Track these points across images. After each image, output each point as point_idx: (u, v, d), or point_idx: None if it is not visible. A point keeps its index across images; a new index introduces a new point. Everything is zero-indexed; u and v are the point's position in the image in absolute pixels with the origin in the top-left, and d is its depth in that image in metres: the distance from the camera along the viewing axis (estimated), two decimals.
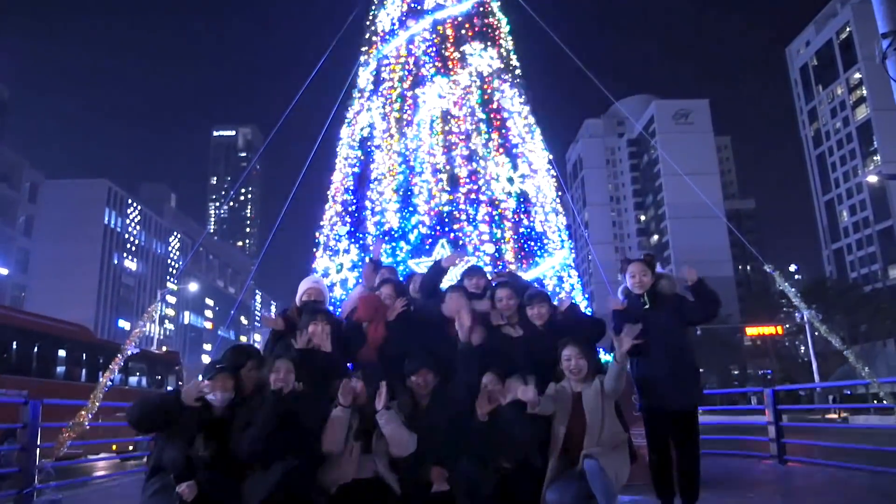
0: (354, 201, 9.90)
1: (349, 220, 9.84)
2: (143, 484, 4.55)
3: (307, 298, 5.75)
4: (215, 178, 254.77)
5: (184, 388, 4.56)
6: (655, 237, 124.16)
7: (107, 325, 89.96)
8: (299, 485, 4.36)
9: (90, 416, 9.26)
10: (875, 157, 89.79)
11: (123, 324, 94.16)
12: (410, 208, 9.28)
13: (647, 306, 5.26)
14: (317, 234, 10.41)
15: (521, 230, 9.51)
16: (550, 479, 4.79)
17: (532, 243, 9.47)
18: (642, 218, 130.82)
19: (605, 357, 5.89)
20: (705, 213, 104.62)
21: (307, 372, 4.78)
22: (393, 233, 9.17)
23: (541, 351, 5.27)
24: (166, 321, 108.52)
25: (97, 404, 9.39)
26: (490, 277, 6.23)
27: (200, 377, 4.69)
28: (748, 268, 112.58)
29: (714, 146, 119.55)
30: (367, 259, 6.80)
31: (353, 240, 9.60)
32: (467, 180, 9.46)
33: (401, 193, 9.43)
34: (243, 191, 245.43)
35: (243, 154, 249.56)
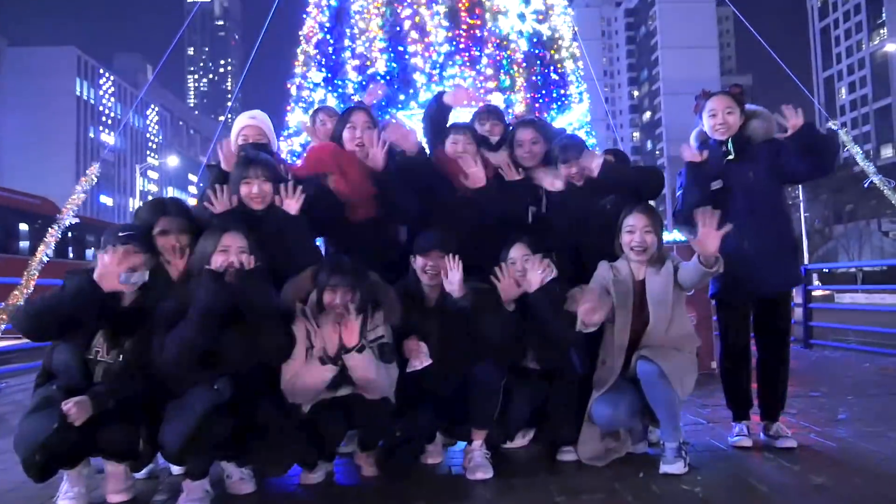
0: (331, 42, 8.13)
1: (325, 64, 8.12)
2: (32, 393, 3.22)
3: (243, 142, 4.12)
4: (192, 49, 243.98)
5: (98, 270, 3.11)
6: (648, 114, 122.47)
7: (88, 201, 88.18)
8: (251, 410, 3.03)
9: (27, 294, 7.98)
10: (882, 31, 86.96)
11: (105, 200, 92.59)
12: (400, 48, 7.58)
13: (730, 157, 3.78)
14: (287, 85, 8.70)
15: (534, 78, 7.86)
16: (600, 388, 3.51)
17: (546, 94, 7.85)
18: (636, 94, 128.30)
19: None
20: (700, 88, 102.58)
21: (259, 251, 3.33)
22: (378, 78, 7.52)
23: (581, 218, 3.85)
24: (149, 197, 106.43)
25: (32, 282, 8.07)
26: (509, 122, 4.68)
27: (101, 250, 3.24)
28: None
29: (715, 17, 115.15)
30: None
31: (329, 88, 7.93)
32: (469, 14, 7.69)
33: (387, 30, 7.68)
34: (222, 62, 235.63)
35: (220, 23, 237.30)
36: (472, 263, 3.68)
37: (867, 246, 57.85)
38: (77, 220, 9.02)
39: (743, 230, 3.71)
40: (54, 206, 18.12)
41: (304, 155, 3.88)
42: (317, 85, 8.07)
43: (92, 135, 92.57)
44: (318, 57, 8.20)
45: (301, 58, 8.59)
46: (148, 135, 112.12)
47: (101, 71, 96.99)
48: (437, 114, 4.35)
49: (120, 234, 3.26)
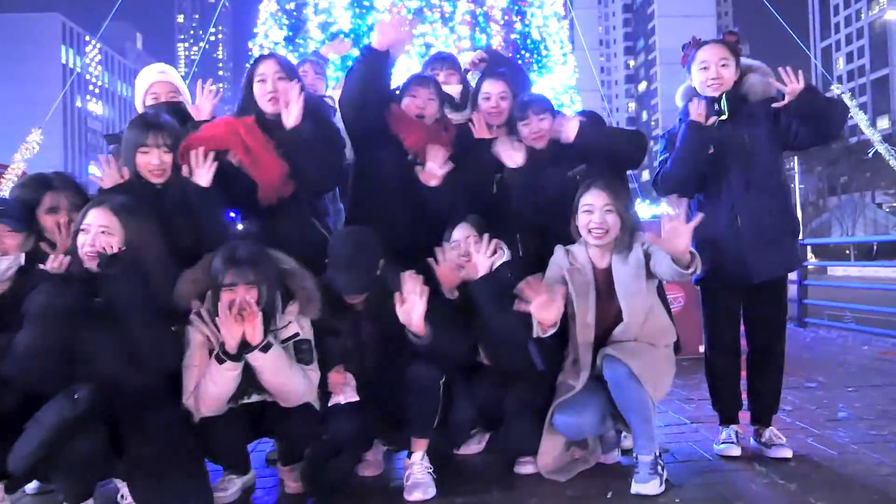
0: None
1: (286, 21, 7.46)
2: None
3: (153, 101, 3.51)
4: (182, 16, 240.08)
5: None
6: (644, 84, 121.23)
7: (77, 171, 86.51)
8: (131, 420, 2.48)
9: None
10: (881, 0, 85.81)
11: (94, 170, 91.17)
12: (366, 3, 6.92)
13: (723, 117, 3.21)
14: (249, 45, 8.05)
15: (514, 36, 7.22)
16: (564, 391, 2.99)
17: (527, 54, 7.22)
18: (631, 64, 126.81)
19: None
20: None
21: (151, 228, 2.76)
22: (342, 37, 6.87)
23: (544, 191, 3.29)
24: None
25: None
26: (466, 67, 4.07)
27: None
28: None
29: None
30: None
31: (291, 48, 7.28)
32: None
33: None
34: (213, 30, 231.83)
35: None
36: (418, 246, 3.15)
37: (861, 218, 57.42)
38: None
39: (736, 205, 3.18)
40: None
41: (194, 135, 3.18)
42: (276, 44, 7.42)
43: (79, 104, 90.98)
44: (279, 14, 7.54)
45: (262, 16, 7.94)
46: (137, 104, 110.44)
47: (88, 38, 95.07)
48: (370, 72, 3.20)
49: None
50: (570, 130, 3.26)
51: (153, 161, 2.95)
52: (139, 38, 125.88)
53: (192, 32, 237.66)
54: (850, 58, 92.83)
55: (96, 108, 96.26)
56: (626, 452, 3.28)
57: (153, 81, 3.54)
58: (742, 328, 3.42)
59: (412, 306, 2.81)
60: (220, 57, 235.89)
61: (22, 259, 2.69)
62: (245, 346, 2.56)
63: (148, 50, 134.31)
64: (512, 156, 3.27)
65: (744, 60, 3.27)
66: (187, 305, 2.68)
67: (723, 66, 3.18)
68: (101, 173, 2.97)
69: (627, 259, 3.02)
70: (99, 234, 2.56)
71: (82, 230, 2.57)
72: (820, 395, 4.56)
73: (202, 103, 3.31)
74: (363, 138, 3.38)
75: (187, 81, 3.95)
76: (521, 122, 3.35)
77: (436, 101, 3.46)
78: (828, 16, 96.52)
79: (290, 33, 7.43)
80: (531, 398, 3.05)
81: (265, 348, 2.58)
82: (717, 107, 3.20)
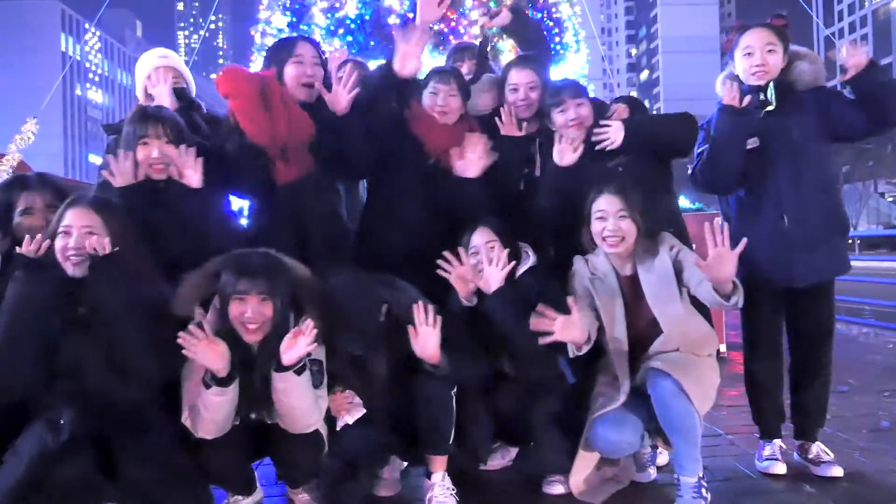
0: None
1: (290, 7, 7.18)
2: None
3: (153, 89, 3.25)
4: (182, 4, 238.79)
5: None
6: (646, 73, 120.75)
7: (77, 161, 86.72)
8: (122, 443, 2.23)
9: None
10: None
11: (94, 159, 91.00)
12: None
13: (770, 107, 2.96)
14: (251, 31, 7.78)
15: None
16: (600, 405, 2.75)
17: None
18: (634, 52, 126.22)
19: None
20: (699, 47, 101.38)
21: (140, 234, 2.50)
22: (349, 23, 6.61)
23: (582, 187, 3.03)
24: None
25: None
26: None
27: None
28: None
29: None
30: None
31: (295, 34, 7.00)
32: None
33: None
34: (213, 18, 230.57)
35: None
36: (437, 251, 2.90)
37: (864, 209, 57.09)
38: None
39: (783, 202, 2.93)
40: (25, 166, 17.14)
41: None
42: (280, 31, 7.14)
43: (79, 91, 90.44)
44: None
45: (265, 1, 7.67)
46: (137, 92, 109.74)
47: (87, 26, 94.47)
48: (381, 86, 3.08)
49: None
50: (615, 136, 3.01)
51: (153, 153, 2.71)
52: (139, 26, 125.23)
53: (191, 20, 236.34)
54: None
55: (96, 96, 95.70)
56: (659, 469, 3.05)
57: (155, 66, 3.28)
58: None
59: (426, 339, 2.60)
60: (220, 45, 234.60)
61: None
62: (272, 363, 2.33)
63: (147, 38, 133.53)
64: (564, 152, 3.02)
65: (794, 47, 3.00)
66: (187, 312, 2.42)
67: (769, 52, 2.91)
68: (114, 171, 2.71)
69: (653, 265, 2.79)
70: (84, 235, 2.32)
71: (62, 232, 2.33)
72: (856, 400, 4.32)
73: (189, 176, 2.79)
74: (381, 138, 3.13)
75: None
76: (557, 109, 3.09)
77: (458, 96, 3.20)
78: (831, 3, 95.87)
79: (294, 19, 7.14)
80: (562, 412, 2.81)
81: (300, 370, 2.33)
82: (762, 96, 2.94)
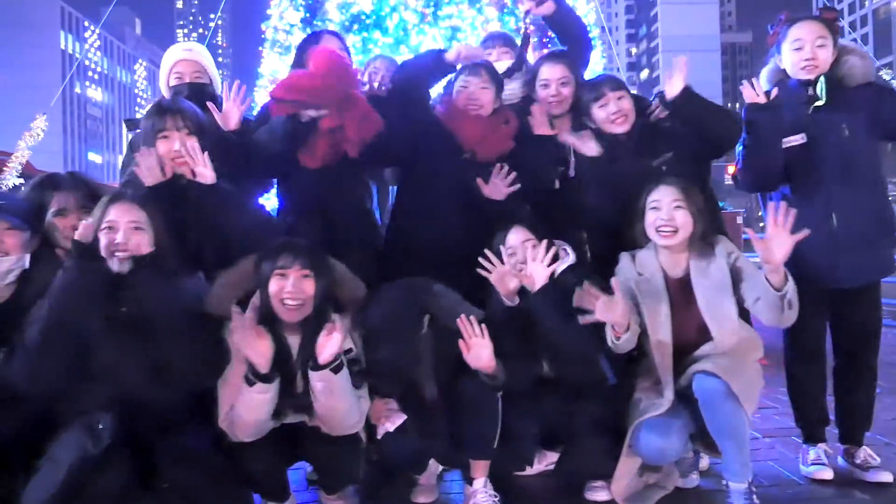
0: None
1: (302, 2, 7.08)
2: None
3: (177, 82, 3.18)
4: (181, 2, 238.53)
5: None
6: (646, 72, 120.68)
7: (77, 159, 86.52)
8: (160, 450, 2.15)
9: None
10: None
11: (94, 157, 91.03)
12: None
13: (819, 102, 2.87)
14: (262, 27, 7.69)
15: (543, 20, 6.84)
16: (643, 410, 2.66)
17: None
18: (633, 51, 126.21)
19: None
20: (699, 46, 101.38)
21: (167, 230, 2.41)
22: (364, 18, 6.52)
23: (624, 184, 2.94)
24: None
25: None
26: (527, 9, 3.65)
27: None
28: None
29: None
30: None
31: (308, 30, 6.90)
32: None
33: None
34: (212, 16, 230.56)
35: None
36: (472, 249, 2.82)
37: None
38: (23, 179, 8.08)
39: (831, 201, 2.84)
40: (29, 165, 17.07)
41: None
42: (293, 26, 7.05)
43: (78, 90, 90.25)
44: None
45: None
46: (136, 90, 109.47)
47: (87, 24, 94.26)
48: (425, 71, 3.11)
49: None
50: (674, 85, 2.87)
51: (175, 146, 2.63)
52: (138, 24, 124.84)
53: (191, 18, 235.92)
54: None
55: (95, 94, 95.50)
56: (703, 474, 2.97)
57: (178, 59, 3.20)
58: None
59: (479, 351, 2.52)
60: (220, 44, 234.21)
61: (26, 261, 2.36)
62: (309, 362, 2.25)
63: (147, 35, 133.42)
64: (587, 144, 2.93)
65: (842, 41, 2.92)
66: (224, 311, 2.34)
67: (819, 46, 2.83)
68: (143, 166, 2.63)
69: (708, 270, 2.69)
70: (130, 230, 2.25)
71: (106, 228, 2.24)
72: (888, 402, 4.22)
73: (230, 110, 2.90)
74: (412, 132, 3.05)
75: None
76: (597, 104, 3.00)
77: (490, 88, 3.12)
78: (832, 3, 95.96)
79: (307, 14, 7.05)
80: (604, 416, 2.73)
81: (337, 368, 2.24)
82: (811, 91, 2.86)
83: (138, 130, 3.04)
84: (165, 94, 3.23)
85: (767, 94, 2.86)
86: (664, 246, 2.72)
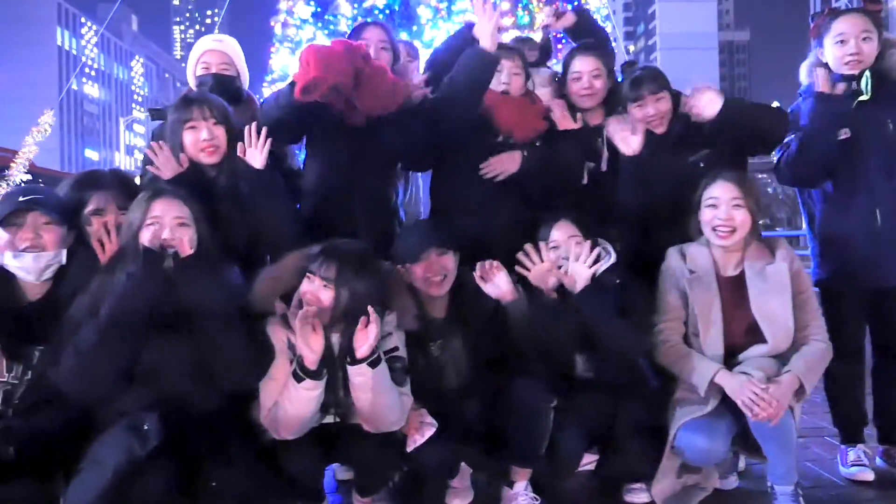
0: None
1: None
2: None
3: (203, 72, 3.11)
4: None
5: None
6: None
7: (74, 156, 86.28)
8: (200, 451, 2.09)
9: None
10: None
11: (90, 154, 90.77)
12: None
13: (864, 97, 2.81)
14: (271, 22, 7.64)
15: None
16: (686, 411, 2.60)
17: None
18: (631, 49, 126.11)
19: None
20: (697, 44, 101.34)
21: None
22: (376, 13, 6.46)
23: (660, 182, 2.88)
24: (136, 151, 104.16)
25: None
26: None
27: None
28: None
29: None
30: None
31: (319, 25, 6.87)
32: None
33: None
34: (209, 13, 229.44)
35: None
36: (507, 235, 2.80)
37: None
38: (29, 175, 7.98)
39: (876, 197, 2.79)
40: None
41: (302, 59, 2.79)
42: (304, 21, 7.01)
43: (75, 86, 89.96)
44: None
45: None
46: (133, 87, 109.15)
47: (84, 20, 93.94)
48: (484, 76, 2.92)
49: (22, 198, 2.28)
50: (706, 107, 2.82)
51: (203, 136, 2.58)
52: (134, 20, 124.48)
53: (187, 15, 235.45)
54: None
55: (92, 90, 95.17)
56: (741, 475, 2.92)
57: (206, 49, 3.15)
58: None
59: (494, 275, 2.55)
60: None
61: (63, 257, 2.30)
62: (347, 357, 2.20)
63: (144, 32, 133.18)
64: (627, 140, 2.87)
65: (888, 34, 2.87)
66: (267, 307, 2.32)
67: (864, 39, 2.78)
68: (158, 162, 2.58)
69: (765, 271, 2.62)
70: (176, 226, 2.19)
71: (150, 224, 2.18)
72: None
73: (253, 155, 2.63)
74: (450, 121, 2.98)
75: (183, 64, 3.60)
76: (635, 104, 2.94)
77: (522, 75, 3.08)
78: (829, 0, 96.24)
79: (319, 9, 7.00)
80: (644, 417, 2.66)
81: (374, 363, 2.19)
82: (855, 85, 2.80)
83: (160, 122, 3.00)
84: (191, 83, 3.19)
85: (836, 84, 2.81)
86: (721, 245, 2.65)
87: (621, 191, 2.92)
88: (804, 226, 3.22)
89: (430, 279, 2.57)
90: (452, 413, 2.58)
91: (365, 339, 2.18)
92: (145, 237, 2.11)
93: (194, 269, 2.13)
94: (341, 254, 2.27)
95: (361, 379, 2.20)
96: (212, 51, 3.14)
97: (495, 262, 2.57)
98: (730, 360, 2.61)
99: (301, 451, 2.29)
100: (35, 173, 13.50)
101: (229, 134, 2.64)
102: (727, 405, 2.58)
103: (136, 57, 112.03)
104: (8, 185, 7.16)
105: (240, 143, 2.61)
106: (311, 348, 2.17)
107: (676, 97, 3.02)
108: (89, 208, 2.46)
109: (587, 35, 3.47)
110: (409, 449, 2.45)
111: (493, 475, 2.76)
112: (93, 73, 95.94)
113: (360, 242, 2.40)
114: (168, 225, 2.18)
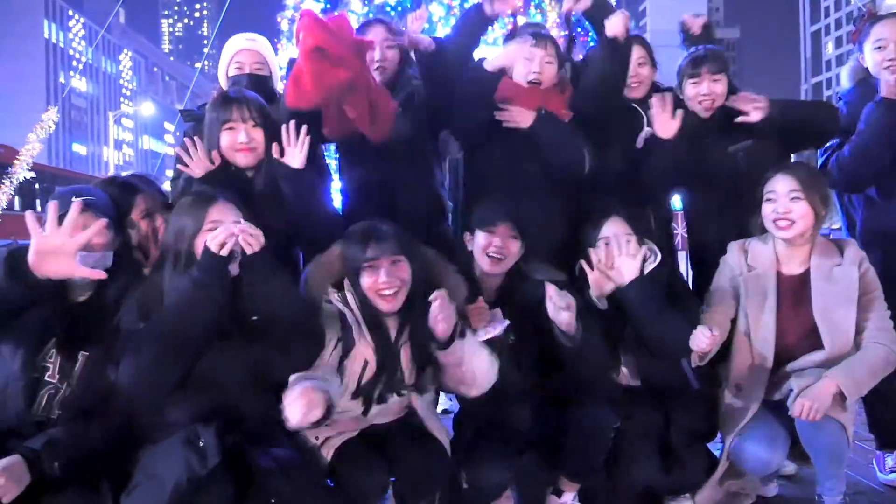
0: None
1: None
2: None
3: (237, 72, 3.07)
4: None
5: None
6: None
7: (61, 151, 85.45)
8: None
9: None
10: None
11: (78, 148, 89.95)
12: None
13: None
14: (278, 18, 7.55)
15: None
16: (738, 418, 2.58)
17: (583, 32, 6.75)
18: None
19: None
20: None
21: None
22: (388, 9, 6.40)
23: (696, 170, 2.86)
24: (124, 146, 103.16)
25: None
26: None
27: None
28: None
29: None
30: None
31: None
32: None
33: None
34: (197, 7, 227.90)
35: None
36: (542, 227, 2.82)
37: None
38: (33, 172, 7.87)
39: None
40: (15, 153, 16.80)
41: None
42: None
43: (62, 80, 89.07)
44: None
45: None
46: (121, 81, 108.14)
47: (71, 13, 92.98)
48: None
49: (75, 197, 2.21)
50: (754, 110, 2.80)
51: (241, 138, 2.55)
52: (122, 13, 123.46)
53: (175, 8, 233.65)
54: (839, 42, 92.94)
55: (80, 84, 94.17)
56: (781, 480, 2.91)
57: (240, 48, 3.11)
58: None
59: (562, 309, 2.42)
60: (205, 34, 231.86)
61: (109, 260, 2.25)
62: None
63: (132, 25, 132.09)
64: (665, 124, 2.82)
65: None
66: (321, 294, 2.34)
67: None
68: (189, 160, 2.54)
69: (832, 272, 2.57)
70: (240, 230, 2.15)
71: (210, 229, 2.13)
72: None
73: (293, 154, 2.60)
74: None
75: (171, 58, 3.51)
76: (691, 80, 2.91)
77: (554, 63, 2.99)
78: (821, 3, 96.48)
79: (328, 6, 6.91)
80: (697, 423, 2.64)
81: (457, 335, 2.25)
82: None
83: (193, 124, 2.96)
84: (223, 83, 3.14)
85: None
86: (783, 238, 2.60)
87: (646, 172, 2.89)
88: (841, 228, 3.21)
89: (491, 254, 2.55)
90: (506, 419, 2.54)
91: (441, 318, 2.18)
92: (211, 242, 2.04)
93: (263, 270, 2.10)
94: (391, 230, 2.32)
95: (457, 355, 2.25)
96: (245, 50, 3.10)
97: (571, 302, 2.43)
98: (783, 364, 2.58)
99: (348, 458, 2.26)
100: (39, 171, 13.34)
101: (267, 136, 2.60)
102: (768, 410, 2.57)
103: (125, 50, 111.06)
104: (11, 182, 7.03)
105: (274, 144, 2.57)
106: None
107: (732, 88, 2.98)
108: (138, 209, 2.42)
109: (604, 17, 3.42)
110: (481, 339, 2.43)
111: (540, 482, 2.72)
112: (80, 66, 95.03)
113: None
114: (226, 231, 2.13)
